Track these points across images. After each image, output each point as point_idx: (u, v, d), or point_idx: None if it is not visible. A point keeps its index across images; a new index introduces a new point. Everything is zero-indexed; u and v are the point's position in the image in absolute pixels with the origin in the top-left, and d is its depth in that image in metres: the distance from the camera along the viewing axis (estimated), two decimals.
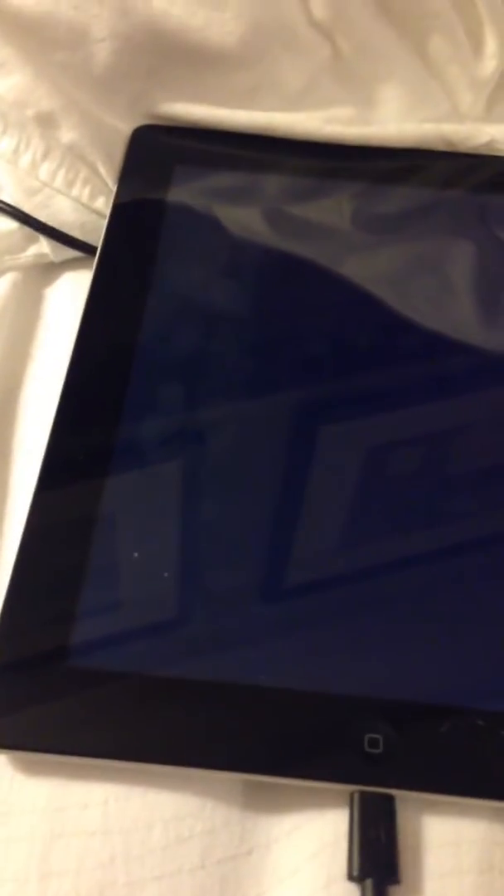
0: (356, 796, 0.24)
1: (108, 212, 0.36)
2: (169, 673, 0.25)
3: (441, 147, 0.40)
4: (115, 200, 0.36)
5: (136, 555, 0.27)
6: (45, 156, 0.36)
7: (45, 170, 0.36)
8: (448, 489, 0.30)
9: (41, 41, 0.35)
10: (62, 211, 0.37)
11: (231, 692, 0.25)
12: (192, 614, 0.26)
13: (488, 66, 0.39)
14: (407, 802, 0.24)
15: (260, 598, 0.27)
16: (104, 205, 0.37)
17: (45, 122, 0.36)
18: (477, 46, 0.39)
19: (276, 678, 0.25)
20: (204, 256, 0.36)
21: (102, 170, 0.37)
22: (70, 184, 0.37)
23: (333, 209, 0.38)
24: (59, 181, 0.37)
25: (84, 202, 0.37)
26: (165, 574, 0.27)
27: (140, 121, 0.38)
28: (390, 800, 0.24)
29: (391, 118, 0.39)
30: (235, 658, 0.26)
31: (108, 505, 0.28)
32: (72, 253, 0.37)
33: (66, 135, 0.36)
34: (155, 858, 0.23)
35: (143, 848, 0.23)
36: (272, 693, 0.25)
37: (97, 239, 0.35)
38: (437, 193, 0.39)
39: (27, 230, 0.37)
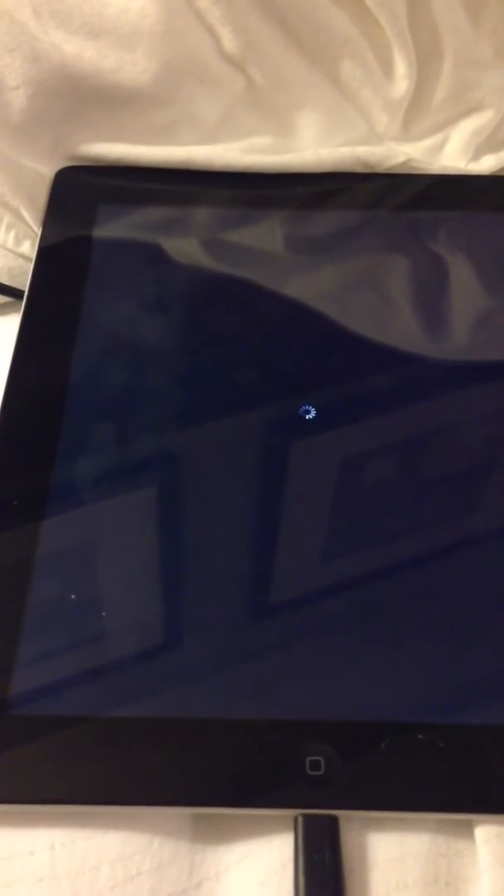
0: (300, 820, 0.24)
1: (33, 255, 0.36)
2: (109, 714, 0.25)
3: (360, 169, 0.40)
4: (40, 244, 0.37)
5: (73, 597, 0.28)
6: None
7: None
8: (368, 514, 0.30)
9: None
10: None
11: (172, 727, 0.25)
12: (129, 653, 0.27)
13: (400, 87, 0.40)
14: (351, 821, 0.25)
15: (195, 632, 0.27)
16: (30, 249, 0.37)
17: None
18: (387, 69, 0.40)
19: (215, 710, 0.26)
20: (132, 293, 0.36)
21: (26, 214, 0.38)
22: None
23: (262, 236, 0.39)
24: None
25: (9, 247, 0.37)
26: (103, 613, 0.27)
27: (61, 163, 0.39)
28: (334, 821, 0.24)
29: (309, 144, 0.40)
30: (174, 693, 0.26)
31: (44, 548, 0.28)
32: (0, 298, 0.38)
33: None
34: None
35: (91, 890, 0.24)
36: (213, 725, 0.25)
37: (25, 283, 0.36)
38: (363, 214, 0.40)
39: None
